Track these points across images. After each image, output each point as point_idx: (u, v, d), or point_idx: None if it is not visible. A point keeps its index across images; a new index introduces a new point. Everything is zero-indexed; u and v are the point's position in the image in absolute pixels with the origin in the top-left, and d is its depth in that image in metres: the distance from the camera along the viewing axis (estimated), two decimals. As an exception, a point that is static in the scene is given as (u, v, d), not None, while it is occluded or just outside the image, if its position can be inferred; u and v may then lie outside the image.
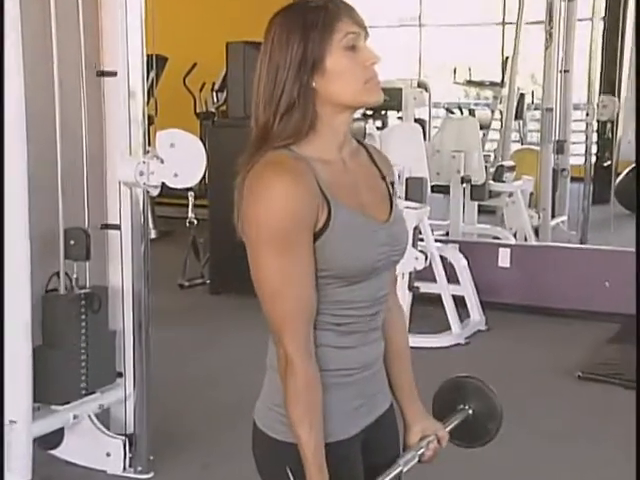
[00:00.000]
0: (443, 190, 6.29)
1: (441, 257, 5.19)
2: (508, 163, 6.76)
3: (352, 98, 1.41)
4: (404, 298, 4.79)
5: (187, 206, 3.98)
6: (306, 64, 1.38)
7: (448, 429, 1.63)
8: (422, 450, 1.56)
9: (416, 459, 1.55)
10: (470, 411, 1.69)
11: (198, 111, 8.26)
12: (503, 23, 10.82)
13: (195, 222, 4.26)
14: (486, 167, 6.26)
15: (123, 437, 3.25)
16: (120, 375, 3.30)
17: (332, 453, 1.42)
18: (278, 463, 1.45)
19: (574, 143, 7.43)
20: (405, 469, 1.51)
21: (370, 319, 1.48)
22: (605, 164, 8.02)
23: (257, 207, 1.34)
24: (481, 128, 6.79)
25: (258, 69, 1.42)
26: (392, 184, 1.55)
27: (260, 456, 1.49)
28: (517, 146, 8.77)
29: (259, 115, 1.41)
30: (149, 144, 3.18)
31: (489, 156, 7.39)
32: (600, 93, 7.27)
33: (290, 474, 1.43)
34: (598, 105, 6.91)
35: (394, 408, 1.60)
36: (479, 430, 1.70)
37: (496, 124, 8.50)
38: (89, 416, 3.22)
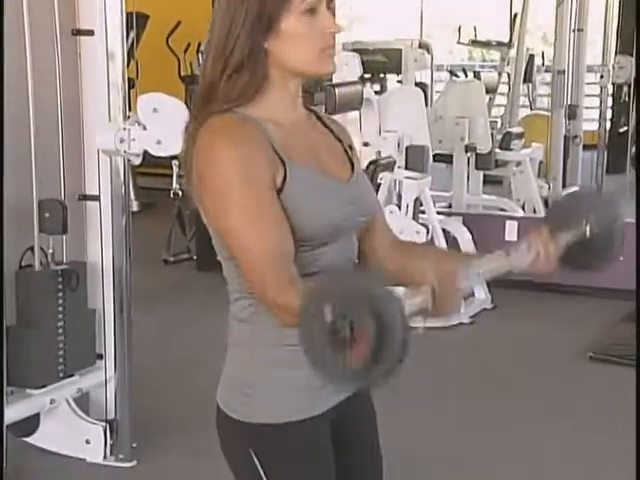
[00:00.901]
0: (446, 159, 6.27)
1: (443, 231, 5.19)
2: (516, 130, 6.75)
3: (304, 66, 1.43)
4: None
5: (171, 176, 3.97)
6: (261, 22, 1.39)
7: (561, 242, 1.52)
8: (531, 248, 1.48)
9: (528, 258, 1.48)
10: (588, 230, 1.58)
11: (183, 74, 8.20)
12: (511, -22, 10.75)
13: (180, 193, 4.25)
14: (492, 134, 6.24)
15: (103, 423, 3.27)
16: (100, 357, 3.31)
17: (295, 434, 1.43)
18: (241, 445, 1.46)
19: (587, 108, 7.42)
20: (512, 264, 1.47)
21: None
22: (620, 130, 8.00)
23: (209, 175, 1.36)
24: (487, 92, 6.76)
25: (212, 18, 1.43)
26: (350, 147, 1.57)
27: (224, 440, 1.51)
28: (526, 111, 8.74)
29: (207, 69, 1.43)
30: (130, 109, 3.17)
31: (496, 122, 7.37)
32: (616, 53, 7.24)
33: (255, 458, 1.44)
34: (614, 66, 6.88)
35: (370, 388, 1.59)
36: (595, 251, 1.62)
37: (503, 88, 8.46)
38: (67, 401, 3.23)
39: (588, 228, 1.58)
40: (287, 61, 1.42)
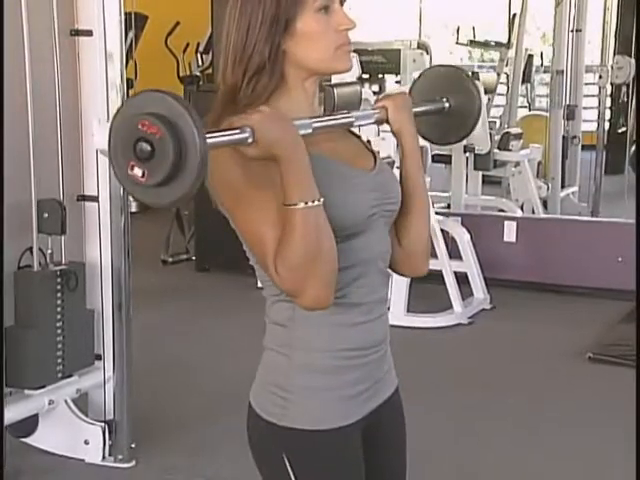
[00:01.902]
0: (444, 159, 6.28)
1: (442, 231, 5.20)
2: (515, 130, 6.75)
3: (320, 64, 1.43)
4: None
5: (170, 176, 4.01)
6: (278, 23, 1.39)
7: (416, 109, 1.60)
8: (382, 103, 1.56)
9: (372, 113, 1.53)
10: (447, 104, 1.68)
11: (181, 74, 8.20)
12: (510, -21, 10.76)
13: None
14: (491, 134, 6.24)
15: (102, 423, 3.26)
16: (99, 357, 3.31)
17: (329, 441, 1.42)
18: (274, 449, 1.45)
19: (586, 108, 7.44)
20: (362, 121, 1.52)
21: (375, 285, 1.46)
22: (619, 131, 8.02)
23: (226, 175, 1.34)
24: (486, 92, 6.76)
25: (227, 23, 1.43)
26: (369, 142, 1.58)
27: (255, 441, 1.49)
28: (524, 112, 8.76)
29: (227, 74, 1.43)
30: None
31: (494, 123, 7.38)
32: (615, 54, 7.26)
33: (287, 462, 1.43)
34: (612, 67, 6.89)
35: (399, 392, 1.60)
36: (454, 124, 1.71)
37: (502, 88, 8.47)
38: (65, 401, 3.23)
39: (447, 104, 1.68)
40: (304, 60, 1.42)
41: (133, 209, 7.09)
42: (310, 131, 1.39)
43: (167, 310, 5.17)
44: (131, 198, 6.79)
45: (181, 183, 1.19)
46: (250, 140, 1.29)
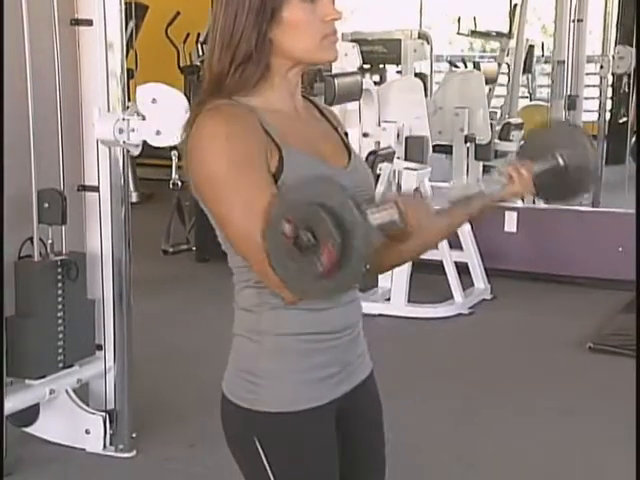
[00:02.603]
0: (445, 150, 6.27)
1: (443, 221, 5.19)
2: (515, 120, 6.74)
3: (306, 54, 1.44)
4: (403, 266, 4.80)
5: (171, 167, 3.96)
6: (265, 12, 1.40)
7: (536, 168, 1.54)
8: (503, 174, 1.49)
9: (500, 184, 1.47)
10: (561, 161, 1.59)
11: (182, 65, 8.18)
12: (511, -32, 10.72)
13: (179, 184, 4.24)
14: (492, 125, 6.24)
15: (103, 413, 3.27)
16: (100, 347, 3.31)
17: (301, 422, 1.43)
18: (246, 436, 1.46)
19: (587, 98, 7.40)
20: (486, 190, 1.45)
21: None
22: (620, 121, 7.99)
23: (202, 157, 1.37)
24: (487, 83, 6.76)
25: (214, 11, 1.44)
26: (345, 134, 1.58)
27: (228, 429, 1.51)
28: (525, 102, 8.73)
29: (214, 62, 1.43)
30: (129, 99, 3.16)
31: (495, 113, 7.36)
32: (616, 43, 7.22)
33: (259, 447, 1.44)
34: (614, 57, 6.87)
35: (374, 377, 1.60)
36: (570, 182, 1.62)
37: (503, 78, 8.44)
38: (66, 391, 3.23)
39: (561, 159, 1.60)
40: (289, 49, 1.42)
41: (134, 199, 7.13)
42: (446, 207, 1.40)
43: (167, 300, 5.17)
44: (132, 188, 6.69)
45: (347, 271, 1.21)
46: (399, 223, 1.27)
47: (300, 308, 1.41)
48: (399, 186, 4.88)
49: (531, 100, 9.02)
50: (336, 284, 1.23)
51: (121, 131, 3.03)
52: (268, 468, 1.44)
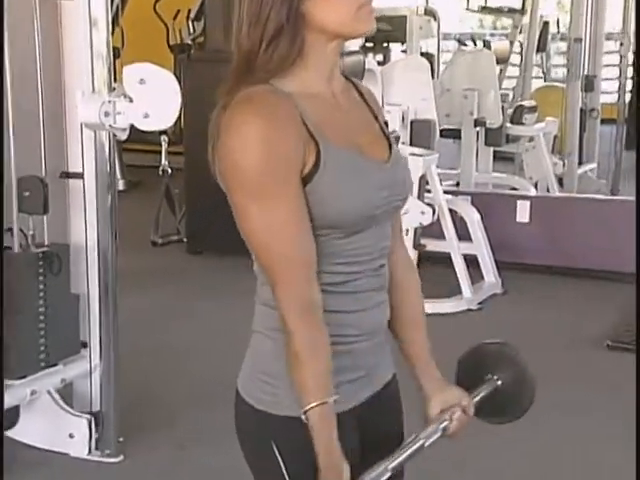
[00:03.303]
0: (453, 134, 6.27)
1: (450, 211, 5.20)
2: (529, 103, 6.74)
3: (342, 26, 1.43)
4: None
5: (160, 152, 3.98)
6: None
7: (474, 400, 1.64)
8: (446, 423, 1.57)
9: (439, 433, 1.56)
10: (499, 382, 1.71)
11: (172, 43, 8.18)
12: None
13: (169, 171, 4.26)
14: (503, 108, 6.24)
15: (88, 416, 3.28)
16: (85, 345, 3.32)
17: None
18: (263, 438, 1.47)
19: (605, 79, 7.41)
20: (427, 443, 1.52)
21: (373, 276, 1.48)
22: (640, 103, 7.98)
23: (232, 151, 1.36)
24: (498, 63, 6.75)
25: None
26: (386, 124, 1.58)
27: (243, 430, 1.51)
28: (539, 83, 8.73)
29: (242, 40, 1.42)
30: (115, 80, 3.16)
31: (507, 95, 7.36)
32: (637, 19, 7.21)
33: (276, 451, 1.44)
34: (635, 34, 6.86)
35: (397, 380, 1.62)
36: (509, 403, 1.73)
37: (515, 58, 8.45)
38: (49, 392, 3.24)
39: (498, 381, 1.71)
40: (324, 22, 1.41)
41: (120, 187, 7.14)
42: None
43: (157, 295, 5.17)
44: (118, 175, 6.72)
45: None
46: None
47: (325, 309, 1.41)
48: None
49: (545, 81, 9.02)
50: None
51: (107, 114, 3.03)
52: (285, 472, 1.45)
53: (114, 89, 3.09)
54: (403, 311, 1.60)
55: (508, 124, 6.29)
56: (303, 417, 1.38)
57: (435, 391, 1.61)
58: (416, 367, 1.63)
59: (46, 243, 3.17)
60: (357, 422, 1.51)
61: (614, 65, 7.39)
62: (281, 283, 1.38)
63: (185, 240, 6.08)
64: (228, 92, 1.41)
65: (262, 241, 1.38)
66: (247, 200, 1.37)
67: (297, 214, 1.37)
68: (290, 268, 1.37)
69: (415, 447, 1.50)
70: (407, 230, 4.80)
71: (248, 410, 1.48)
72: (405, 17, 6.34)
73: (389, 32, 6.66)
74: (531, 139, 6.48)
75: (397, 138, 4.91)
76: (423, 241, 4.96)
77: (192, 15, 8.02)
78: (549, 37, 8.53)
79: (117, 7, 6.99)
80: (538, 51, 8.21)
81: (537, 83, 8.64)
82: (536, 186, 6.37)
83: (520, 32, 8.21)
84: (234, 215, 1.41)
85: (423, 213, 4.73)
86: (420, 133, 4.94)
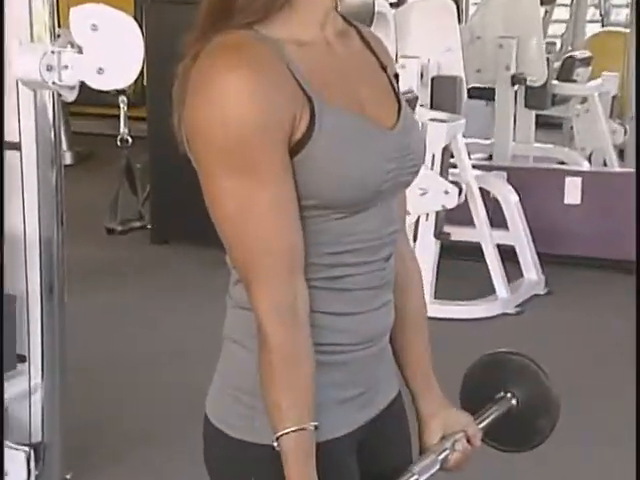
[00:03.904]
0: (486, 94, 6.27)
1: (481, 191, 5.20)
2: (581, 54, 6.74)
3: None
4: (428, 249, 4.81)
5: (117, 117, 3.95)
6: None
7: (482, 425, 1.65)
8: (446, 453, 1.58)
9: (437, 465, 1.57)
10: (513, 401, 1.71)
11: (131, -21, 8.16)
12: None
13: (129, 140, 4.23)
14: (548, 60, 6.24)
15: (26, 448, 3.27)
16: (23, 359, 3.32)
17: (318, 457, 1.43)
18: (239, 471, 1.48)
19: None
20: (422, 479, 1.53)
21: (376, 270, 1.49)
22: None
23: (205, 112, 1.36)
24: (542, 3, 6.75)
25: None
26: (396, 77, 1.58)
27: (213, 461, 1.52)
28: (596, 28, 8.71)
29: None
30: (59, 25, 3.15)
31: (553, 44, 7.36)
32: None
33: None
34: None
35: (402, 398, 1.63)
36: (526, 428, 1.74)
37: (564, -3, 8.44)
38: (-22, 417, 3.25)
39: (512, 400, 1.71)
40: None
41: (67, 161, 7.14)
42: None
43: (114, 295, 5.18)
44: (64, 146, 6.73)
45: None
46: None
47: (314, 311, 1.43)
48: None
49: (603, 25, 9.00)
50: None
51: (50, 68, 3.02)
52: None
53: (58, 36, 3.09)
54: (401, 311, 1.61)
55: (554, 81, 6.30)
56: (275, 444, 1.39)
57: (434, 413, 1.63)
58: (412, 381, 1.64)
59: (-26, 231, 3.17)
60: (357, 449, 1.52)
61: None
62: (257, 280, 1.38)
63: (149, 227, 6.07)
64: (198, 39, 1.41)
65: (237, 228, 1.38)
66: (221, 175, 1.37)
67: (283, 194, 1.38)
68: (271, 262, 1.38)
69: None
70: (427, 215, 4.81)
71: (219, 437, 1.49)
72: (425, -54, 6.32)
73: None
74: (584, 100, 6.49)
75: (415, 99, 4.91)
76: (447, 229, 4.96)
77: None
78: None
79: None
80: (594, -13, 8.22)
81: (593, 28, 8.63)
82: (590, 159, 6.38)
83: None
84: (204, 195, 1.41)
85: (447, 193, 4.73)
86: (443, 93, 4.94)
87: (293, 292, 1.39)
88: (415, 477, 1.52)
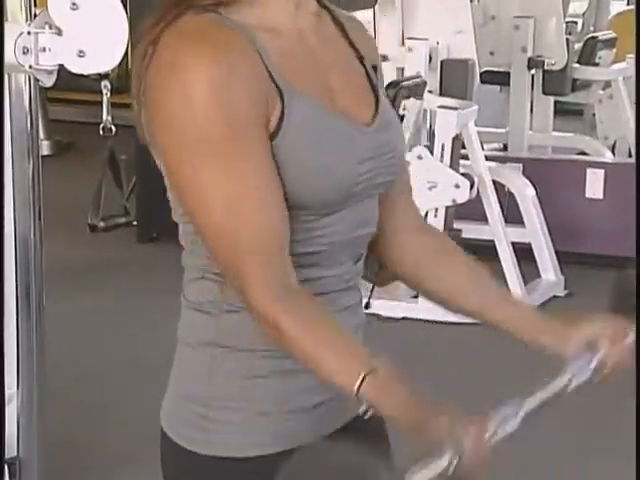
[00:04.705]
0: (500, 79, 6.27)
1: (495, 184, 5.20)
2: (604, 34, 6.73)
3: None
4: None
5: (100, 104, 3.95)
6: None
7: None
8: (598, 357, 1.54)
9: (588, 373, 1.55)
10: None
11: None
12: None
13: (113, 129, 4.22)
14: (568, 42, 6.23)
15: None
16: (-3, 367, 3.32)
17: (274, 471, 1.41)
18: None
19: None
20: (574, 384, 1.53)
21: (345, 273, 1.50)
22: None
23: (169, 105, 1.37)
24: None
25: None
26: (374, 69, 1.57)
27: (170, 477, 1.52)
28: (620, 7, 8.71)
29: None
30: (36, 4, 3.15)
31: (574, 24, 7.35)
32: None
33: None
34: None
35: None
36: None
37: (586, -27, 8.43)
38: (-53, 432, 3.25)
39: None
40: None
41: (45, 151, 7.13)
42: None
43: (97, 296, 5.19)
44: (42, 135, 6.73)
45: None
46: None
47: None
48: (432, 133, 4.88)
49: (628, 4, 8.99)
50: None
51: (26, 51, 3.02)
52: None
53: (35, 16, 3.09)
54: (437, 258, 1.63)
55: (575, 65, 6.29)
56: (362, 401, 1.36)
57: (560, 325, 1.61)
58: (490, 306, 1.69)
59: (-56, 227, 3.17)
60: None
61: None
62: (250, 275, 1.37)
63: (135, 223, 6.07)
64: (158, 23, 1.42)
65: (219, 220, 1.37)
66: (195, 163, 1.37)
67: (268, 175, 1.38)
68: (262, 249, 1.38)
69: (561, 385, 1.52)
70: (436, 210, 4.81)
71: (175, 452, 1.49)
72: None
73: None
74: (607, 85, 6.48)
75: (423, 84, 4.91)
76: (457, 225, 4.96)
77: None
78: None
79: None
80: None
81: (617, 7, 8.62)
82: (613, 150, 6.38)
83: None
84: (171, 188, 1.43)
85: (457, 187, 4.73)
86: (454, 78, 4.94)
87: (287, 271, 1.39)
88: (568, 377, 1.53)
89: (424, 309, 4.88)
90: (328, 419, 1.51)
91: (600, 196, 5.69)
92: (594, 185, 5.71)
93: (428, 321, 4.82)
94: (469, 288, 1.63)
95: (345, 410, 1.52)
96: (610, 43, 6.53)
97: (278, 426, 1.46)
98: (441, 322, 4.81)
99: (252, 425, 1.46)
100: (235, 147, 1.37)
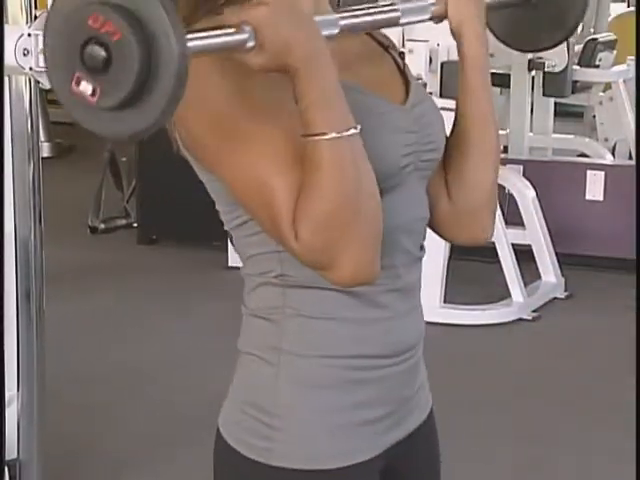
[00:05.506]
0: (500, 81, 6.25)
1: (496, 185, 5.20)
2: (605, 36, 6.72)
3: None
4: (437, 249, 4.80)
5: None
6: None
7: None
8: None
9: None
10: None
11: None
12: None
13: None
14: (568, 44, 6.22)
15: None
16: (-3, 370, 3.32)
17: None
18: None
19: None
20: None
21: (403, 266, 1.47)
22: None
23: (199, 92, 1.34)
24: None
25: None
26: (401, 55, 1.59)
27: None
28: (621, 8, 8.69)
29: None
30: (36, 7, 3.15)
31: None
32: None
33: None
34: None
35: (434, 415, 1.61)
36: (546, 18, 1.72)
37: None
38: (-53, 433, 3.25)
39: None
40: None
41: (46, 153, 7.13)
42: (335, 31, 1.38)
43: (97, 299, 5.18)
44: (42, 137, 6.69)
45: (149, 106, 1.16)
46: (251, 44, 1.27)
47: (338, 320, 1.42)
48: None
49: (629, 5, 8.98)
50: (129, 123, 1.18)
51: (26, 53, 3.00)
52: None
53: (36, 18, 3.08)
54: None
55: (575, 66, 6.27)
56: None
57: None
58: None
59: (-56, 229, 3.17)
60: (382, 473, 1.51)
61: None
62: (297, 217, 1.31)
63: (136, 225, 6.08)
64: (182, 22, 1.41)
65: (266, 194, 1.33)
66: (238, 152, 1.34)
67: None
68: (291, 180, 1.33)
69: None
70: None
71: (235, 460, 1.48)
72: None
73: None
74: (607, 87, 6.47)
75: (423, 86, 4.91)
76: (458, 226, 4.96)
77: None
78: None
79: None
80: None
81: (617, 8, 8.61)
82: (613, 151, 6.37)
83: None
84: (226, 184, 1.38)
85: (458, 188, 4.73)
86: (454, 80, 4.92)
87: None
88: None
89: (424, 311, 4.89)
90: (387, 433, 1.50)
91: (600, 198, 5.69)
92: (594, 187, 5.71)
93: (428, 323, 4.80)
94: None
95: (407, 422, 1.53)
96: (610, 45, 6.52)
97: (340, 440, 1.45)
98: (441, 324, 4.81)
99: (315, 437, 1.45)
100: (272, 130, 1.34)
